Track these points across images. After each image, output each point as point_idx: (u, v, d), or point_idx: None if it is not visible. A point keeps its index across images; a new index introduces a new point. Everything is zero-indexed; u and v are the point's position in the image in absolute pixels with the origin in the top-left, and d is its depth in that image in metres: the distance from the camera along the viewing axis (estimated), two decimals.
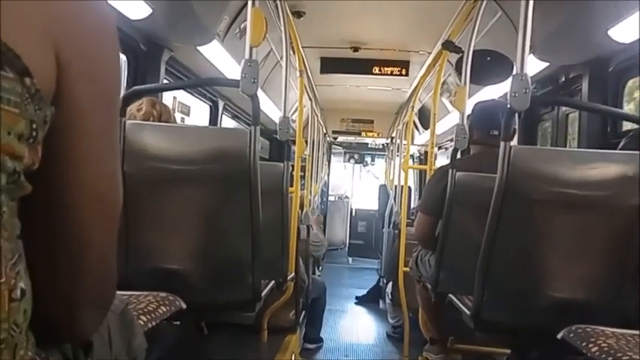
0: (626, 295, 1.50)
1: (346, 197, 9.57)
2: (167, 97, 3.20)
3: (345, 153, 9.61)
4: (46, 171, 0.50)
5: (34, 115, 0.46)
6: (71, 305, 0.57)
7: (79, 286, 0.57)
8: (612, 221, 1.50)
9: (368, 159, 9.74)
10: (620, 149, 1.70)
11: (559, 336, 1.30)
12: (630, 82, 2.69)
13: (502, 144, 1.44)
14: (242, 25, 3.14)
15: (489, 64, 2.91)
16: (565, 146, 3.21)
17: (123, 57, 2.61)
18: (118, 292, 0.68)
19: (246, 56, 1.60)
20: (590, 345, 1.18)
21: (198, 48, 2.95)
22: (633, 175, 1.45)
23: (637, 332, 1.27)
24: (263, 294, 1.74)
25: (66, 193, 0.53)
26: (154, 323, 1.25)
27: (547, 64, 2.89)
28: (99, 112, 0.55)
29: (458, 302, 1.80)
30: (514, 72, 1.42)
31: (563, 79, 3.07)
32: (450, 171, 1.97)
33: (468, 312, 1.66)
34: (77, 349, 0.63)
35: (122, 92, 1.67)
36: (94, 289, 0.59)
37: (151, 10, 2.28)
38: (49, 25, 0.48)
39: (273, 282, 2.00)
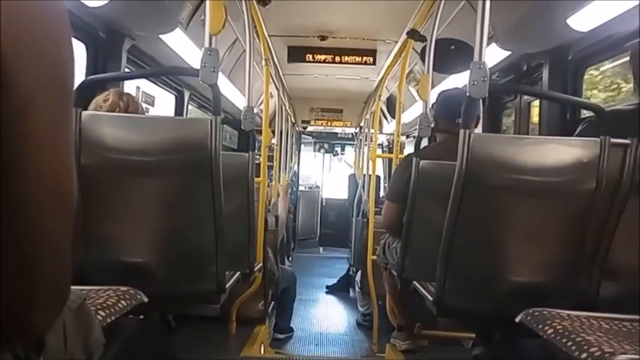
0: (583, 278, 1.54)
1: (317, 187, 9.58)
2: (130, 87, 3.13)
3: (314, 143, 9.60)
4: None
5: None
6: (23, 302, 0.55)
7: (31, 282, 0.55)
8: (569, 206, 1.54)
9: (338, 148, 9.75)
10: (577, 135, 1.73)
11: (517, 319, 1.33)
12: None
13: (462, 131, 1.45)
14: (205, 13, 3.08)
15: (453, 53, 2.94)
16: (527, 134, 3.27)
17: (81, 45, 2.54)
18: (77, 287, 0.66)
19: (206, 45, 1.57)
20: (546, 327, 1.21)
21: (161, 36, 2.89)
22: (589, 160, 1.48)
23: (591, 314, 1.31)
24: (228, 285, 1.73)
25: (15, 184, 0.51)
26: (113, 318, 1.23)
27: (509, 52, 2.93)
28: (49, 101, 0.53)
29: (422, 289, 1.83)
30: (473, 60, 1.43)
31: (525, 67, 3.12)
32: (414, 159, 1.99)
33: (431, 298, 1.68)
34: (29, 346, 0.61)
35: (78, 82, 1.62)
36: (48, 285, 0.57)
37: None
38: None
39: (238, 273, 1.99)
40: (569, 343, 1.10)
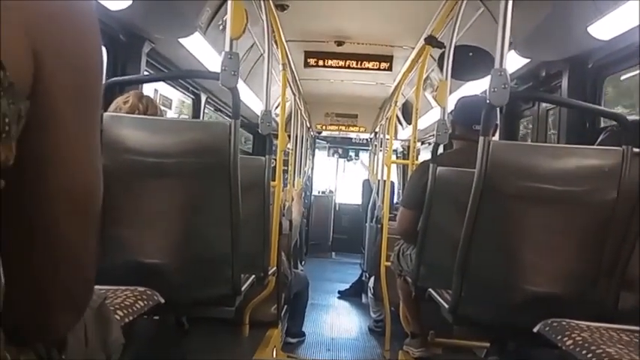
0: (601, 289, 1.52)
1: (330, 192, 9.57)
2: (148, 90, 3.16)
3: (329, 147, 9.60)
4: (22, 167, 0.49)
5: (7, 109, 0.44)
6: (46, 305, 0.56)
7: (54, 285, 0.55)
8: (589, 216, 1.52)
9: (352, 153, 9.75)
10: (598, 145, 1.72)
11: (535, 329, 1.32)
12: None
13: (481, 139, 1.44)
14: (224, 17, 3.10)
15: (471, 60, 2.93)
16: (545, 142, 3.24)
17: (102, 49, 2.57)
18: (95, 287, 0.66)
19: (227, 49, 1.59)
20: (565, 338, 1.20)
21: (180, 40, 2.92)
22: (610, 170, 1.47)
23: (611, 326, 1.29)
24: (243, 288, 1.74)
25: (42, 191, 0.52)
26: (130, 318, 1.23)
27: (528, 60, 2.91)
28: (78, 108, 0.53)
29: (437, 296, 1.81)
30: (494, 67, 1.42)
31: (544, 75, 3.10)
32: (431, 166, 1.98)
33: (446, 306, 1.67)
34: (51, 346, 0.61)
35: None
36: (70, 288, 0.58)
37: (130, 1, 2.24)
38: (26, 18, 0.47)
39: (253, 276, 1.99)
40: (590, 355, 1.09)
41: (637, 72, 2.53)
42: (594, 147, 1.64)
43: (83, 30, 0.54)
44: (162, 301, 1.42)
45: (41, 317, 0.57)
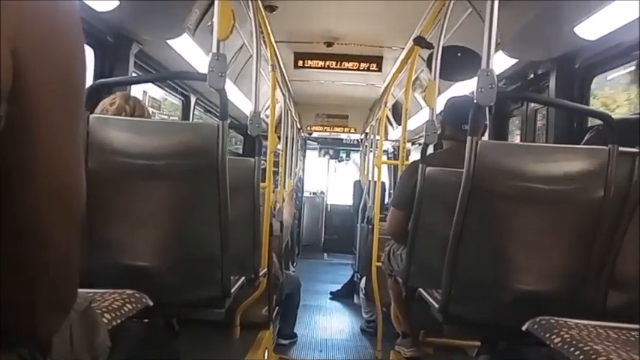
0: (590, 287, 1.53)
1: (321, 193, 9.57)
2: (137, 92, 3.15)
3: (320, 148, 9.61)
4: (6, 167, 0.48)
5: None
6: (30, 307, 0.56)
7: (40, 285, 0.55)
8: (576, 215, 1.53)
9: (343, 154, 9.76)
10: (584, 144, 1.73)
11: (524, 328, 1.32)
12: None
13: (469, 139, 1.45)
14: (213, 18, 3.10)
15: (459, 60, 2.94)
16: (534, 141, 3.26)
17: (89, 49, 2.55)
18: (82, 290, 0.66)
19: (214, 50, 1.58)
20: (554, 336, 1.20)
21: (169, 41, 2.90)
22: (597, 169, 1.48)
23: (599, 323, 1.30)
24: (232, 290, 1.73)
25: (26, 191, 0.51)
26: (118, 321, 1.22)
27: (516, 60, 2.93)
28: (60, 108, 0.53)
29: (427, 296, 1.82)
30: (481, 68, 1.43)
31: (532, 75, 3.12)
32: (420, 166, 1.99)
33: (436, 306, 1.67)
34: (34, 348, 0.61)
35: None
36: (56, 288, 0.57)
37: (118, 2, 2.23)
38: (4, 22, 0.46)
39: (243, 278, 1.98)
40: (577, 353, 1.09)
41: (623, 71, 2.55)
42: (580, 146, 1.65)
43: (65, 29, 0.54)
44: (151, 303, 1.41)
45: (27, 319, 0.56)
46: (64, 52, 0.53)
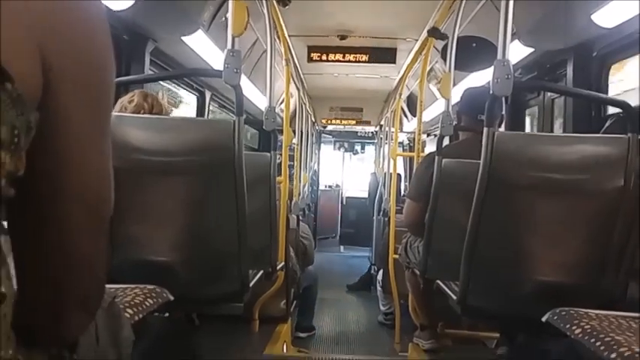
0: (609, 277, 1.52)
1: (337, 186, 9.57)
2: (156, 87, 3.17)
3: (334, 141, 9.60)
4: (34, 177, 0.49)
5: (16, 120, 0.44)
6: (60, 308, 0.57)
7: (68, 288, 0.56)
8: (595, 204, 1.51)
9: (358, 147, 9.74)
10: (603, 133, 1.71)
11: (544, 319, 1.32)
12: None
13: (485, 130, 1.44)
14: (227, 14, 3.10)
15: (474, 51, 2.91)
16: (551, 131, 3.22)
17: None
18: (105, 286, 0.67)
19: (229, 46, 1.59)
20: (574, 327, 1.20)
21: (183, 38, 2.92)
22: (616, 158, 1.46)
23: (619, 313, 1.29)
24: (251, 284, 1.75)
25: (54, 199, 0.52)
26: (140, 316, 1.24)
27: (532, 49, 2.89)
28: (89, 116, 0.53)
29: (445, 288, 1.82)
30: (497, 58, 1.42)
31: (548, 64, 3.07)
32: (436, 158, 1.98)
33: (455, 297, 1.67)
34: (62, 346, 0.62)
35: None
36: (83, 291, 0.59)
37: (133, 1, 2.25)
38: (33, 28, 0.46)
39: (261, 272, 2.00)
40: (598, 343, 1.08)
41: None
42: (599, 135, 1.63)
43: (92, 34, 0.54)
44: (172, 298, 1.43)
45: (55, 320, 0.57)
46: (92, 51, 0.54)
